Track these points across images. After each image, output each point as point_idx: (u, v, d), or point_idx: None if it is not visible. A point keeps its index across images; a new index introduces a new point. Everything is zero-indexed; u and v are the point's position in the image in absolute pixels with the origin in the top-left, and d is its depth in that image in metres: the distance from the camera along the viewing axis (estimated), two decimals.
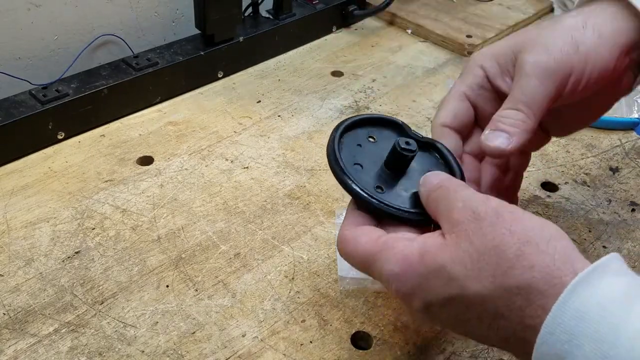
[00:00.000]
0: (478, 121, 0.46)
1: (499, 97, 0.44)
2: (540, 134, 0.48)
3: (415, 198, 0.41)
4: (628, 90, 0.46)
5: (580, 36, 0.41)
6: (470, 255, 0.34)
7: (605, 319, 0.30)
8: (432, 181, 0.39)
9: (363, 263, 0.39)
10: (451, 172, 0.42)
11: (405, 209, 0.40)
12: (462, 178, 0.42)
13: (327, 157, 0.42)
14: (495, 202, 0.35)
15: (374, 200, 0.39)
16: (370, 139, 0.44)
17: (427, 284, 0.35)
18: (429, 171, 0.41)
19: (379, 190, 0.41)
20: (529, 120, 0.41)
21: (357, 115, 0.45)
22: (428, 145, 0.44)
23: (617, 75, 0.43)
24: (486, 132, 0.42)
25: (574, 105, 0.45)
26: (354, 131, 0.44)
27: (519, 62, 0.42)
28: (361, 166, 0.42)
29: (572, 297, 0.31)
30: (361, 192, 0.40)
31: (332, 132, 0.43)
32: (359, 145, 0.43)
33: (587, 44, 0.41)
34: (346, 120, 0.44)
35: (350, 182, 0.40)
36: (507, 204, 0.35)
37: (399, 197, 0.41)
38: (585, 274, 0.31)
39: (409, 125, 0.45)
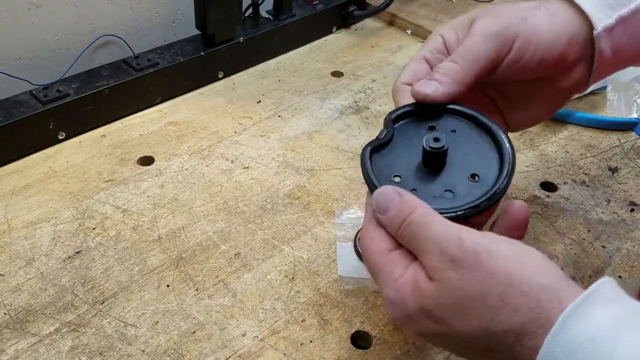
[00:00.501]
0: None
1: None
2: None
3: (451, 193, 0.40)
4: (582, 86, 0.46)
5: (530, 13, 0.43)
6: (455, 302, 0.34)
7: (596, 351, 0.30)
8: (391, 213, 0.38)
9: (371, 270, 0.39)
10: (501, 154, 0.41)
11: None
12: (513, 161, 0.40)
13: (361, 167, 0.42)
14: (470, 241, 0.34)
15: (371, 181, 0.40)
16: (432, 130, 0.43)
17: (417, 319, 0.36)
18: (473, 162, 0.40)
19: (414, 192, 0.40)
20: (462, 73, 0.42)
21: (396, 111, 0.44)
22: (474, 121, 0.43)
23: (567, 63, 0.44)
24: (421, 79, 0.43)
25: (526, 93, 0.46)
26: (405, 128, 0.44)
27: (471, 28, 0.44)
28: (400, 176, 0.41)
29: (562, 332, 0.31)
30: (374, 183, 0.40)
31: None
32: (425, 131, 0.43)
33: (537, 19, 0.43)
34: (394, 111, 0.44)
35: (372, 179, 0.40)
36: (484, 238, 0.34)
37: (434, 197, 0.40)
38: (574, 306, 0.31)
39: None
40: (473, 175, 0.40)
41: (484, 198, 0.39)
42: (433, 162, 0.41)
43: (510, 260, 0.33)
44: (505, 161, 0.40)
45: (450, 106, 0.43)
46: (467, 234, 0.35)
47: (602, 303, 0.31)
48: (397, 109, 0.44)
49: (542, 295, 0.32)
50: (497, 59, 0.43)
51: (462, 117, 0.43)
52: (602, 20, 0.43)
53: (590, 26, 0.43)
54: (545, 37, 0.43)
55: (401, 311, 0.37)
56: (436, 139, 0.40)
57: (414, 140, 0.42)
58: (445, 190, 0.40)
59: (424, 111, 0.43)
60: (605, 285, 0.32)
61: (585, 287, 0.32)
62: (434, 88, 0.42)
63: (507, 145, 0.41)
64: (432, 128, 0.43)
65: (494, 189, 0.39)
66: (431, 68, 0.46)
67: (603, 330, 0.30)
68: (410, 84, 0.45)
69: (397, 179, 0.41)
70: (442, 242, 0.35)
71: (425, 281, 0.35)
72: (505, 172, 0.40)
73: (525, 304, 0.32)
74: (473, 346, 0.34)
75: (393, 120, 0.43)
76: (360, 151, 0.42)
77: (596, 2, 0.43)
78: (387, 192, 0.38)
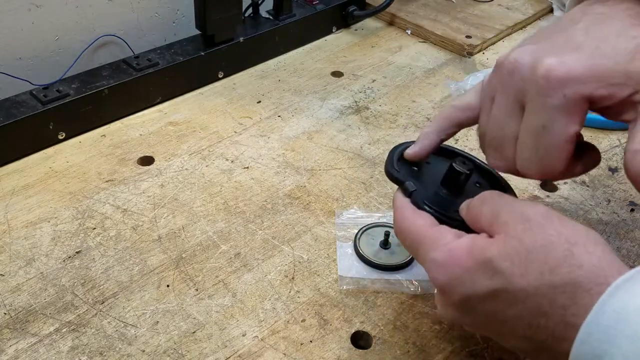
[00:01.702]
0: None
1: None
2: None
3: None
4: None
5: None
6: (518, 252, 0.34)
7: None
8: (475, 197, 0.40)
9: (413, 244, 0.40)
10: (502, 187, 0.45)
11: (447, 214, 0.41)
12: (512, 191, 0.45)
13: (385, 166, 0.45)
14: (542, 206, 0.36)
15: (420, 203, 0.42)
16: (427, 162, 0.47)
17: (470, 277, 0.35)
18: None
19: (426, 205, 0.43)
20: (432, 135, 0.46)
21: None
22: (486, 174, 0.47)
23: None
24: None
25: None
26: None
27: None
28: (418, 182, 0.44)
29: (614, 297, 0.31)
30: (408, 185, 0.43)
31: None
32: (416, 167, 0.46)
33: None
34: (407, 143, 0.47)
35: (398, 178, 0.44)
36: (554, 210, 0.36)
37: (447, 211, 0.42)
38: (629, 275, 0.31)
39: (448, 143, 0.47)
40: None
41: None
42: (455, 183, 0.43)
43: (578, 227, 0.34)
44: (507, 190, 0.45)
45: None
46: (539, 203, 0.37)
47: None
48: (391, 158, 0.46)
49: (604, 258, 0.33)
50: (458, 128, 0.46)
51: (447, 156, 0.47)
52: None
53: None
54: None
55: (451, 272, 0.36)
56: (464, 162, 0.43)
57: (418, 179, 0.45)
58: (455, 211, 0.42)
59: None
60: None
61: None
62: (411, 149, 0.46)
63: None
64: (416, 166, 0.46)
65: None
66: (458, 121, 0.45)
67: None
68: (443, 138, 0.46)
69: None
70: (515, 204, 0.36)
71: (486, 239, 0.36)
72: None
73: (588, 261, 0.32)
74: (522, 309, 0.34)
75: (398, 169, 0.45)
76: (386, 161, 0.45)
77: None
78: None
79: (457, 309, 0.37)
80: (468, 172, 0.42)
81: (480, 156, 0.46)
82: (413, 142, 0.46)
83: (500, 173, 0.46)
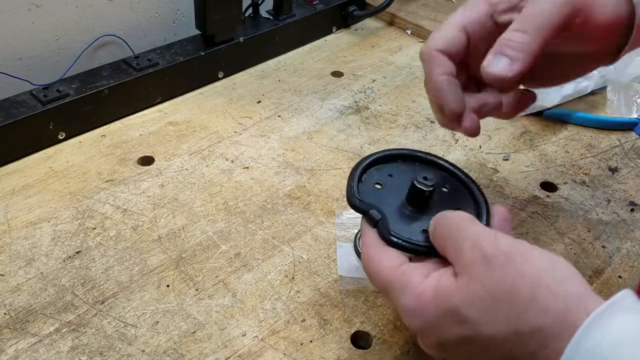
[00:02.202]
0: (466, 57, 0.45)
1: (493, 40, 0.42)
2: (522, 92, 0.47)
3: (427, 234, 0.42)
4: (610, 57, 0.45)
5: None
6: (482, 298, 0.34)
7: None
8: (438, 217, 0.39)
9: (382, 288, 0.40)
10: (478, 209, 0.43)
11: (416, 242, 0.40)
12: (488, 217, 0.42)
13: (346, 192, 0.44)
14: (504, 242, 0.35)
15: (384, 230, 0.41)
16: (377, 186, 0.45)
17: (440, 324, 0.35)
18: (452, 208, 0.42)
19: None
20: (534, 45, 0.39)
21: (375, 154, 0.46)
22: (455, 177, 0.46)
23: (605, 41, 0.43)
24: (489, 56, 0.40)
25: (554, 61, 0.44)
26: (372, 171, 0.46)
27: None
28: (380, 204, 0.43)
29: (585, 338, 0.31)
30: (372, 215, 0.41)
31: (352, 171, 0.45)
32: (379, 184, 0.45)
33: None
34: (365, 159, 0.46)
35: (362, 208, 0.42)
36: (517, 242, 0.35)
37: (414, 233, 0.42)
38: (598, 313, 0.31)
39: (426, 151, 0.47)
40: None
41: None
42: (419, 200, 0.43)
43: (542, 264, 0.33)
44: (481, 213, 0.43)
45: (377, 156, 0.46)
46: (502, 236, 0.35)
47: (625, 312, 0.31)
48: (351, 187, 0.43)
49: (570, 299, 0.32)
50: (563, 29, 0.40)
51: (390, 161, 0.46)
52: None
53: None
54: (606, 14, 0.40)
55: (422, 318, 0.36)
56: (426, 177, 0.42)
57: (382, 201, 0.44)
58: (422, 230, 0.42)
59: (362, 173, 0.45)
60: (627, 295, 0.32)
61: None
62: (509, 68, 0.39)
63: (483, 202, 0.44)
64: (379, 184, 0.45)
65: None
66: (468, 42, 0.43)
67: (624, 339, 0.30)
68: (444, 52, 0.43)
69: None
70: (477, 239, 0.35)
71: (450, 281, 0.35)
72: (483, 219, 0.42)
73: (554, 305, 0.32)
74: (495, 353, 0.34)
75: (360, 198, 0.43)
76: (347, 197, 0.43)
77: None
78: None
79: (435, 349, 0.37)
80: (431, 188, 0.42)
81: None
82: (371, 156, 0.46)
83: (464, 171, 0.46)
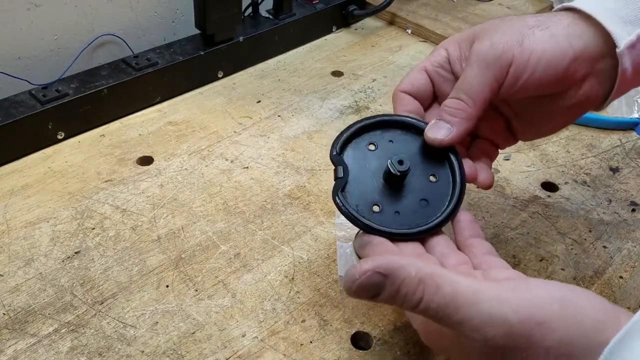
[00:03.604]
0: (438, 99, 0.48)
1: (455, 81, 0.46)
2: (508, 135, 0.49)
3: (409, 214, 0.43)
4: (596, 101, 0.45)
5: (529, 33, 0.42)
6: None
7: None
8: (385, 294, 0.34)
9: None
10: (453, 179, 0.44)
11: (357, 215, 0.42)
12: (462, 187, 0.44)
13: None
14: (518, 320, 0.32)
15: (359, 222, 0.42)
16: (371, 146, 0.45)
17: (446, 351, 0.37)
18: (429, 182, 0.43)
19: (376, 208, 0.43)
20: (469, 109, 0.43)
21: (353, 125, 0.46)
22: (450, 168, 0.45)
23: (573, 80, 0.43)
24: (431, 122, 0.44)
25: (535, 108, 0.46)
26: (356, 140, 0.46)
27: (470, 52, 0.44)
28: (378, 204, 0.43)
29: None
30: (350, 213, 0.42)
31: (334, 142, 0.45)
32: (373, 144, 0.45)
33: (534, 40, 0.42)
34: (371, 118, 0.46)
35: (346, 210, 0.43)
36: (531, 307, 0.32)
37: (396, 215, 0.43)
38: (615, 343, 0.31)
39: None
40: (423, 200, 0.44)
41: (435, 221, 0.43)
42: (395, 183, 0.43)
43: (563, 326, 0.31)
44: (455, 183, 0.44)
45: (383, 119, 0.46)
46: (512, 311, 0.31)
47: None
48: (338, 138, 0.45)
49: (598, 349, 0.31)
50: (497, 87, 0.43)
51: (396, 128, 0.46)
52: (623, 37, 0.41)
53: (604, 41, 0.42)
54: (545, 57, 0.42)
55: (431, 342, 0.39)
56: (400, 162, 0.42)
57: (366, 163, 0.44)
58: (421, 200, 0.44)
59: (362, 131, 0.46)
60: None
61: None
62: (447, 133, 0.43)
63: (459, 174, 0.44)
64: (373, 145, 0.45)
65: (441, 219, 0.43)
66: (431, 82, 0.47)
67: None
68: (408, 93, 0.47)
69: (376, 208, 0.43)
70: (485, 330, 0.32)
71: (457, 345, 0.35)
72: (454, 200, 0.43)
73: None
74: None
75: (339, 151, 0.44)
76: (332, 196, 0.43)
77: (615, 18, 0.42)
78: (364, 283, 0.34)
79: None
80: (399, 174, 0.42)
81: None
82: (379, 116, 0.46)
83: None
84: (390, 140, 0.45)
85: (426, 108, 0.48)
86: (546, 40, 0.42)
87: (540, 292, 0.33)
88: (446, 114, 0.44)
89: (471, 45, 0.44)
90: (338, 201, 0.42)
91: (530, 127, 0.48)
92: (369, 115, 0.71)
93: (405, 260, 0.34)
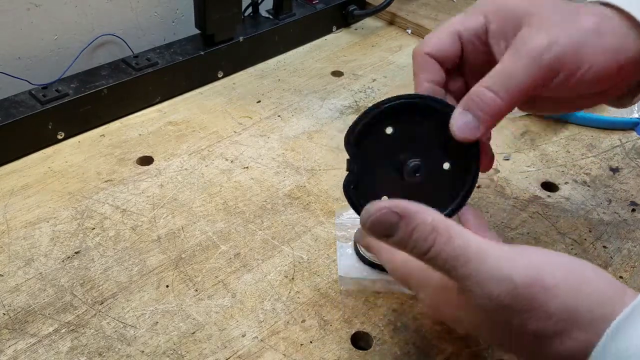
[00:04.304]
0: (461, 66, 0.44)
1: (488, 54, 0.42)
2: (523, 106, 0.46)
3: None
4: (624, 99, 0.44)
5: (585, 37, 0.38)
6: (503, 332, 0.34)
7: None
8: (398, 236, 0.34)
9: (402, 283, 0.41)
10: (467, 169, 0.42)
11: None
12: (475, 178, 0.42)
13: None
14: (522, 281, 0.32)
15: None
16: (389, 130, 0.41)
17: (457, 322, 0.37)
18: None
19: (385, 198, 0.41)
20: (504, 105, 0.38)
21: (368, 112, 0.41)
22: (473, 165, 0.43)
23: (611, 85, 0.41)
24: (457, 111, 0.39)
25: (566, 96, 0.43)
26: (374, 125, 0.41)
27: (518, 36, 0.39)
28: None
29: (612, 343, 0.30)
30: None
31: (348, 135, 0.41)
32: (392, 127, 0.41)
33: (591, 51, 0.38)
34: (395, 99, 0.41)
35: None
36: (536, 270, 0.32)
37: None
38: (621, 319, 0.31)
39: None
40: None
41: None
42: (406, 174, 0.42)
43: (568, 294, 0.31)
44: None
45: (404, 102, 0.41)
46: (517, 274, 0.32)
47: None
48: (354, 125, 0.41)
49: (602, 324, 0.31)
50: (541, 87, 0.39)
51: (417, 112, 0.41)
52: None
53: None
54: (597, 70, 0.38)
55: (442, 316, 0.38)
56: (416, 170, 0.40)
57: (381, 151, 0.41)
58: (433, 190, 0.42)
59: (380, 116, 0.41)
60: None
61: None
62: (475, 130, 0.39)
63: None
64: (391, 127, 0.41)
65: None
66: (462, 48, 0.42)
67: None
68: (434, 56, 0.42)
69: (385, 198, 0.41)
70: (490, 287, 0.32)
71: (456, 299, 0.35)
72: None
73: (583, 337, 0.31)
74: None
75: (354, 140, 0.41)
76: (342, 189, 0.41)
77: None
78: (381, 218, 0.34)
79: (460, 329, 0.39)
80: (410, 176, 0.41)
81: None
82: (405, 97, 0.41)
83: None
84: (409, 124, 0.41)
85: (448, 74, 0.43)
86: (600, 52, 0.38)
87: (548, 258, 0.33)
88: (477, 107, 0.39)
89: (517, 27, 0.39)
90: (348, 195, 0.41)
91: (553, 106, 0.45)
92: None
93: (423, 207, 0.34)
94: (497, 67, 0.39)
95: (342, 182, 0.41)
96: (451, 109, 0.40)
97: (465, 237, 0.33)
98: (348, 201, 0.41)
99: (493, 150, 0.45)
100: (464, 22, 0.41)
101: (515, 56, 0.38)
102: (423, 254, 0.34)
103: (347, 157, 0.41)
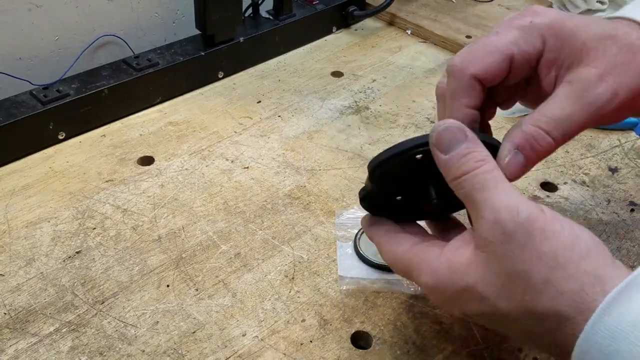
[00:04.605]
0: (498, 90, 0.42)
1: (529, 76, 0.40)
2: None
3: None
4: None
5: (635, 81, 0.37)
6: (499, 276, 0.34)
7: (639, 337, 0.29)
8: (453, 158, 0.36)
9: (404, 274, 0.41)
10: None
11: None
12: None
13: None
14: (525, 215, 0.33)
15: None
16: (419, 156, 0.38)
17: (459, 299, 0.36)
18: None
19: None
20: (556, 147, 0.38)
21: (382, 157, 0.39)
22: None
23: None
24: (509, 149, 0.38)
25: None
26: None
27: (577, 76, 0.37)
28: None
29: (603, 318, 0.31)
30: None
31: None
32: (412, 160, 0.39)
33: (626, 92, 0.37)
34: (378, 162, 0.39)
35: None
36: (538, 215, 0.33)
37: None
38: (616, 292, 0.31)
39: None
40: None
41: None
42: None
43: (560, 242, 0.33)
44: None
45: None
46: (525, 208, 0.33)
47: None
48: (384, 154, 0.38)
49: (587, 279, 0.32)
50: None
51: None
52: None
53: None
54: (628, 108, 0.38)
55: (441, 295, 0.37)
56: (434, 204, 0.41)
57: (404, 175, 0.40)
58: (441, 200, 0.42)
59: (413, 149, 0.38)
60: None
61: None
62: (524, 170, 0.38)
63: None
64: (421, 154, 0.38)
65: None
66: (509, 67, 0.39)
67: None
68: (479, 78, 0.39)
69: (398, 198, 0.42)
70: (498, 211, 0.34)
71: (466, 257, 0.35)
72: None
73: (569, 287, 0.32)
74: (516, 326, 0.35)
75: (378, 168, 0.39)
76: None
77: None
78: (452, 129, 0.36)
79: (461, 316, 0.39)
80: (427, 213, 0.43)
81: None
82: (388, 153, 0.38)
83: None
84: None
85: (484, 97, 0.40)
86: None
87: (557, 215, 0.34)
88: (531, 149, 0.37)
89: (573, 59, 0.38)
90: (363, 207, 0.43)
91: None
92: (368, 115, 0.72)
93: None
94: (557, 110, 0.37)
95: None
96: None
97: (494, 175, 0.35)
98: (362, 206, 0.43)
99: None
100: (520, 45, 0.38)
101: (577, 103, 0.37)
102: (455, 178, 0.36)
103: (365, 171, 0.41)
